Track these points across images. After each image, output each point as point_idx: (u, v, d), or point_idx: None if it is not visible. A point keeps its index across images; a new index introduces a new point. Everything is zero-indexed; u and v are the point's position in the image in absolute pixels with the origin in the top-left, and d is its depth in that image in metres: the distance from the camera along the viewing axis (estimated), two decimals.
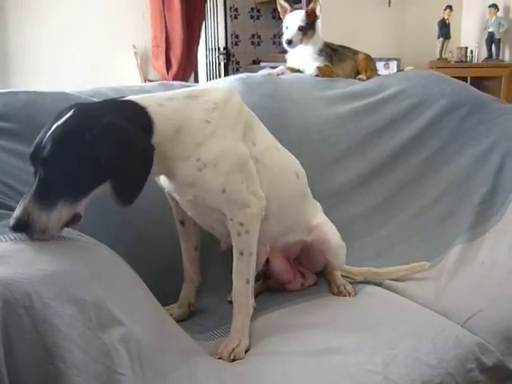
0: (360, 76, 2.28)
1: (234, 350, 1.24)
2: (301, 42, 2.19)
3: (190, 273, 1.48)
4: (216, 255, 1.54)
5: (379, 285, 1.62)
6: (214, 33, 4.69)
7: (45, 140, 1.06)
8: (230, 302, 1.35)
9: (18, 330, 0.86)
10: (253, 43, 5.83)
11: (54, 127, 1.07)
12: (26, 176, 1.34)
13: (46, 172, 1.05)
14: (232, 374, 1.16)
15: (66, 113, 1.10)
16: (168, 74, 3.07)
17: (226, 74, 4.43)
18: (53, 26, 3.16)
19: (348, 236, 1.64)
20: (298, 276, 1.60)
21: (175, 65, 3.09)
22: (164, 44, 3.06)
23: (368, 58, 2.33)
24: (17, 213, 1.04)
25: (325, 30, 2.53)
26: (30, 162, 1.10)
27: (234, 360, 1.23)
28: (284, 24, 2.22)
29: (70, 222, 1.10)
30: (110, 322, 0.98)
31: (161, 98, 1.24)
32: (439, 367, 1.19)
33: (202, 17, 3.34)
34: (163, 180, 1.32)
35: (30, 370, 0.87)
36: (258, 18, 5.83)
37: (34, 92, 1.48)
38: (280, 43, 5.48)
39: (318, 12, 2.21)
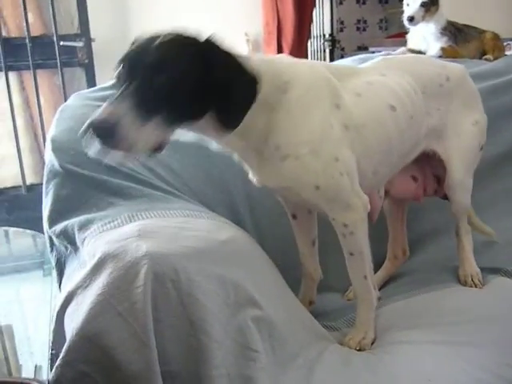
0: (487, 56, 2.15)
1: (359, 342, 1.21)
2: (423, 19, 2.11)
3: (308, 269, 1.39)
4: (334, 249, 1.50)
5: (509, 276, 1.51)
6: (319, 19, 4.63)
7: (154, 45, 0.95)
8: (349, 300, 1.32)
9: (166, 303, 0.90)
10: (358, 29, 5.70)
11: (167, 39, 0.97)
12: (158, 155, 1.40)
13: (149, 80, 0.93)
14: (359, 358, 1.15)
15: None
16: None
17: (332, 60, 4.36)
18: (168, 19, 3.28)
19: None
20: (429, 183, 1.53)
21: (287, 51, 3.09)
22: (276, 31, 3.07)
23: (496, 37, 2.19)
24: (104, 114, 0.90)
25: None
26: (122, 64, 0.97)
27: (360, 350, 1.21)
28: (405, 1, 2.14)
29: (157, 148, 0.99)
30: (245, 301, 1.00)
31: None
32: None
33: (313, 3, 3.30)
34: (251, 173, 1.22)
35: (175, 341, 0.91)
36: (363, 2, 5.69)
37: None
38: (387, 28, 5.29)
39: None
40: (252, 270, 1.05)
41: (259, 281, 1.05)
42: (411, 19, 2.12)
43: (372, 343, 1.23)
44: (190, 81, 0.95)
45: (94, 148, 0.91)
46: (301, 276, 1.41)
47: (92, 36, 3.03)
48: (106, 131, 0.89)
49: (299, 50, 3.16)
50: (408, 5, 2.14)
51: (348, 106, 1.18)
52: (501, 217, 1.74)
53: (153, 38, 0.98)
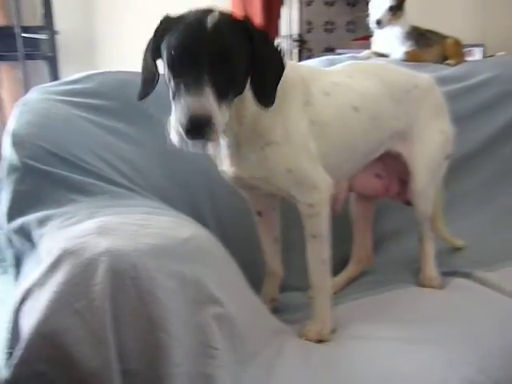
0: (448, 61, 2.20)
1: (318, 332, 1.23)
2: (389, 22, 2.15)
3: (271, 266, 1.42)
4: (297, 248, 1.50)
5: (467, 277, 1.55)
6: (287, 19, 4.66)
7: (210, 30, 1.00)
8: (310, 299, 1.32)
9: (125, 300, 0.89)
10: (326, 30, 5.75)
11: (220, 25, 1.01)
12: (120, 150, 1.39)
13: (218, 67, 0.98)
14: (319, 353, 1.15)
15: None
16: None
17: (299, 61, 4.39)
18: (136, 14, 3.24)
19: None
20: (393, 185, 1.57)
21: None
22: None
23: (457, 43, 2.25)
24: (197, 110, 0.96)
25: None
26: (179, 52, 1.00)
27: (320, 341, 1.23)
28: (372, 4, 2.18)
29: None
30: (206, 299, 0.99)
31: None
32: None
33: (281, 2, 3.31)
34: (227, 164, 1.24)
35: (134, 339, 0.89)
36: (332, 4, 5.74)
37: (130, 72, 1.52)
38: (354, 30, 5.35)
39: None
40: (213, 268, 1.05)
41: (220, 278, 1.05)
42: (379, 23, 2.15)
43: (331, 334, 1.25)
44: (247, 60, 1.04)
45: (192, 144, 1.00)
46: (263, 274, 1.42)
47: (56, 29, 2.97)
48: (204, 126, 0.96)
49: None
50: (375, 8, 2.17)
51: (316, 104, 1.24)
52: (458, 219, 1.79)
53: (199, 21, 1.01)
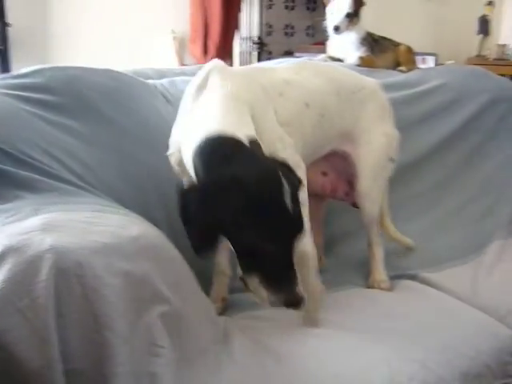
0: (400, 68, 2.26)
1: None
2: (347, 28, 2.18)
3: (221, 266, 1.40)
4: None
5: (413, 279, 1.61)
6: (248, 22, 4.67)
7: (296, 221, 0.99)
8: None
9: (69, 298, 0.88)
10: (286, 34, 5.79)
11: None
12: (70, 147, 1.37)
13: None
14: (268, 351, 1.15)
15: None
16: (205, 59, 3.08)
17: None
18: (92, 11, 3.19)
19: None
20: (341, 184, 1.60)
21: (212, 51, 3.09)
22: (202, 28, 3.06)
23: (409, 50, 2.31)
24: (298, 293, 1.00)
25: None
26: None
27: None
28: (329, 10, 2.21)
29: None
30: (153, 297, 0.99)
31: None
32: (477, 359, 1.20)
33: (240, 4, 3.32)
34: None
35: (79, 337, 0.88)
36: (292, 8, 5.79)
37: (81, 67, 1.50)
38: (313, 34, 5.41)
39: None
40: (162, 266, 1.04)
41: (169, 277, 1.05)
42: (337, 28, 2.19)
43: None
44: None
45: None
46: (213, 274, 1.42)
47: (8, 21, 2.89)
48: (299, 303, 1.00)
49: (225, 50, 3.17)
50: (333, 13, 2.20)
51: (277, 108, 1.28)
52: (405, 222, 1.83)
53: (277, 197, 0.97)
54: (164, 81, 1.74)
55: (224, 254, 1.41)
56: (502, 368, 1.22)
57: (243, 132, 1.07)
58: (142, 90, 1.59)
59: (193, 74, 1.84)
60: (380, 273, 1.58)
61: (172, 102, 1.61)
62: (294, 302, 1.01)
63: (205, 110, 1.14)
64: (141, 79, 1.65)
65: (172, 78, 1.77)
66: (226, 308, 1.41)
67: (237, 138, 1.05)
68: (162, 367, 0.95)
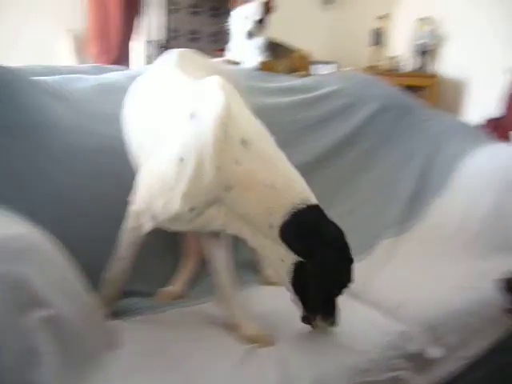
0: (296, 73, 2.32)
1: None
2: (257, 34, 2.20)
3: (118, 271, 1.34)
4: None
5: None
6: (152, 25, 4.61)
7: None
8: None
9: None
10: (191, 39, 5.78)
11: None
12: None
13: None
14: (154, 360, 1.14)
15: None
16: (104, 59, 2.99)
17: None
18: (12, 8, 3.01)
19: None
20: None
21: (112, 51, 3.01)
22: (101, 29, 2.97)
23: (305, 56, 2.38)
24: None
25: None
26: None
27: None
28: (238, 15, 2.21)
29: None
30: (33, 301, 0.94)
31: None
32: (364, 354, 1.24)
33: (139, 5, 3.25)
34: None
35: None
36: (197, 14, 5.79)
37: None
38: (217, 41, 5.43)
39: (273, 4, 2.23)
40: (43, 268, 0.98)
41: (51, 279, 0.99)
42: (250, 34, 2.19)
43: None
44: None
45: None
46: (101, 277, 1.36)
47: None
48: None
49: (124, 52, 3.10)
50: (246, 18, 2.20)
51: None
52: None
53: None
54: (56, 78, 1.66)
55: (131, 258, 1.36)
56: (387, 362, 1.26)
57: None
58: (24, 86, 1.49)
59: (86, 72, 1.80)
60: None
61: (63, 99, 1.55)
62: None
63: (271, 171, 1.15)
64: (26, 75, 1.56)
65: (66, 75, 1.70)
66: (115, 311, 1.36)
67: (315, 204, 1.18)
68: (43, 375, 0.90)
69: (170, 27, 4.98)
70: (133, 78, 1.57)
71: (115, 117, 1.47)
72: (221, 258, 1.32)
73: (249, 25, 2.19)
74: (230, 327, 1.29)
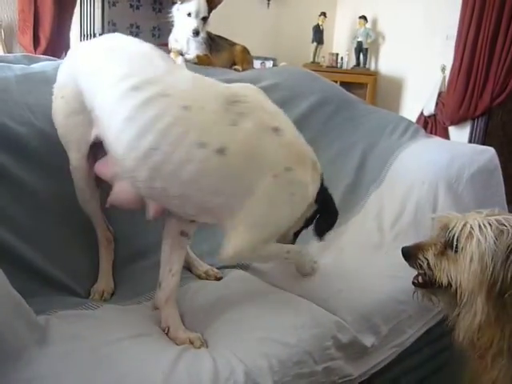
0: (236, 67, 2.31)
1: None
2: (202, 31, 2.17)
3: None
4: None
5: (245, 269, 1.63)
6: (90, 19, 4.48)
7: None
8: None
9: None
10: (131, 33, 5.67)
11: None
12: None
13: None
14: (83, 350, 1.11)
15: None
16: (36, 51, 2.87)
17: None
18: None
19: None
20: None
21: (44, 43, 2.89)
22: (32, 19, 2.85)
23: (245, 50, 2.37)
24: None
25: None
26: None
27: None
28: (182, 10, 2.17)
29: None
30: None
31: None
32: (297, 346, 1.23)
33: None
34: None
35: None
36: (137, 7, 5.70)
37: None
38: (159, 35, 5.36)
39: (218, 1, 2.20)
40: None
41: None
42: (197, 32, 2.16)
43: None
44: None
45: None
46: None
47: None
48: None
49: (58, 43, 2.99)
50: (190, 15, 2.16)
51: None
52: None
53: None
54: None
55: None
56: (322, 353, 1.27)
57: None
58: None
59: (15, 62, 1.72)
60: (201, 264, 1.59)
61: None
62: None
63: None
64: None
65: None
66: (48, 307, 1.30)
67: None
68: None
69: (107, 20, 4.87)
70: None
71: (39, 108, 1.41)
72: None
73: (195, 23, 2.16)
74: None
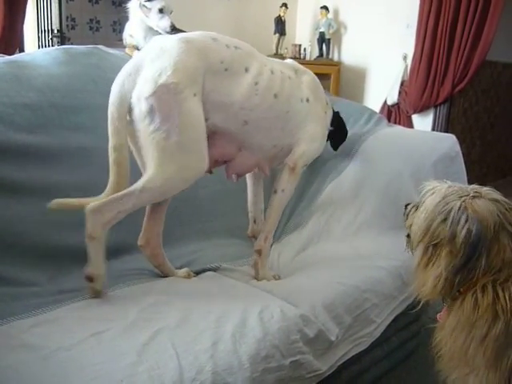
0: None
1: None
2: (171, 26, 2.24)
3: None
4: None
5: (215, 270, 1.63)
6: (47, 14, 4.36)
7: None
8: None
9: None
10: (91, 28, 5.58)
11: None
12: None
13: None
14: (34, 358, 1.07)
15: None
16: None
17: None
18: None
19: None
20: None
21: None
22: None
23: None
24: None
25: None
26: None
27: None
28: (158, 6, 2.17)
29: None
30: None
31: None
32: (264, 340, 1.22)
33: None
34: None
35: None
36: (96, 2, 5.60)
37: None
38: (120, 30, 5.28)
39: None
40: None
41: None
42: (174, 28, 2.21)
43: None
44: None
45: None
46: None
47: None
48: None
49: (11, 40, 2.91)
50: (163, 12, 2.21)
51: None
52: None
53: None
54: None
55: None
56: (289, 347, 1.26)
57: None
58: None
59: None
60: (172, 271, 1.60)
61: None
62: None
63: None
64: None
65: None
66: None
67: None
68: None
69: (65, 15, 4.75)
70: (10, 65, 1.47)
71: None
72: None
73: (169, 19, 2.23)
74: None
